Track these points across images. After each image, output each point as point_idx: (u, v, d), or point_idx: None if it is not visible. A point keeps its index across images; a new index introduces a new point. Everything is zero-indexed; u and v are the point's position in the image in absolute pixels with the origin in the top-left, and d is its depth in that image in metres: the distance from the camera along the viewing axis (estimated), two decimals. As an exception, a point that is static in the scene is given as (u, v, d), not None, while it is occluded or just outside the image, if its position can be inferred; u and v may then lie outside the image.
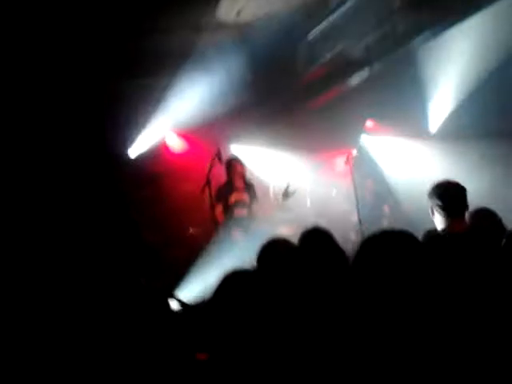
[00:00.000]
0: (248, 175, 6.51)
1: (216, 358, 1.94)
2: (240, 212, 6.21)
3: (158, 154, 7.76)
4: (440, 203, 2.99)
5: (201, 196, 5.93)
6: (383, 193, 7.98)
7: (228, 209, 6.17)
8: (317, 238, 2.96)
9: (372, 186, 8.01)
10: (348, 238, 6.53)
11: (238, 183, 6.31)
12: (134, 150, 7.64)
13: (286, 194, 6.30)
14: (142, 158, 7.46)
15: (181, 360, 2.12)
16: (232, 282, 2.09)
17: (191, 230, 6.74)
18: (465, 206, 3.03)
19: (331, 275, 2.70)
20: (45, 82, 6.21)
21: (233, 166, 6.34)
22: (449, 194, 3.00)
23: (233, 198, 6.22)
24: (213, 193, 5.99)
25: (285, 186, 6.33)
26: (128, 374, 2.01)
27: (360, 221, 6.41)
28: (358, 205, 6.56)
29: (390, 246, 1.50)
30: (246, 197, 6.30)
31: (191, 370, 2.05)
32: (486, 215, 3.76)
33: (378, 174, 8.36)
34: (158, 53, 6.41)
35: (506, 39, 6.86)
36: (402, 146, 8.81)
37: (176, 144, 8.01)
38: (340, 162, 8.03)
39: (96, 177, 6.55)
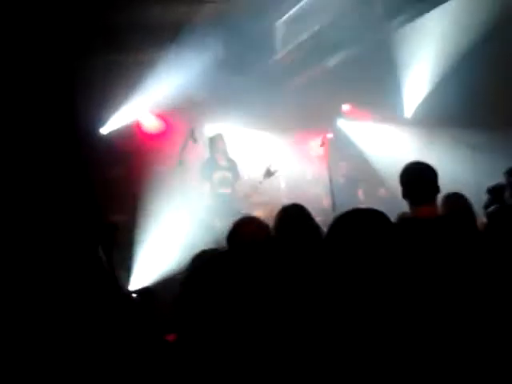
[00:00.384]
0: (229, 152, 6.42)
1: (184, 338, 1.91)
2: (224, 190, 6.10)
3: (132, 133, 7.61)
4: (403, 190, 2.82)
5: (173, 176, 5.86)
6: (357, 177, 8.00)
7: (212, 186, 6.10)
8: (296, 213, 2.93)
9: (346, 169, 8.03)
10: (320, 221, 6.53)
11: (221, 160, 6.20)
12: (107, 128, 7.48)
13: (268, 173, 6.22)
14: (114, 137, 7.30)
15: (149, 341, 2.08)
16: (201, 261, 2.06)
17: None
18: (432, 191, 2.80)
19: (307, 252, 2.68)
20: (14, 55, 6.01)
21: (214, 142, 6.27)
22: (411, 181, 2.79)
23: (216, 175, 6.12)
24: (191, 170, 5.91)
25: (267, 164, 6.27)
26: (92, 355, 1.95)
27: (334, 205, 6.44)
28: (332, 189, 6.58)
29: (361, 223, 1.47)
30: (228, 174, 6.21)
31: (159, 351, 2.02)
32: (456, 200, 3.79)
33: (353, 159, 8.38)
34: (135, 28, 6.26)
35: (480, 23, 6.89)
36: (377, 131, 8.84)
37: (150, 124, 7.87)
38: (315, 144, 8.03)
39: (63, 153, 6.38)
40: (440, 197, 3.52)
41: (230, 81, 7.38)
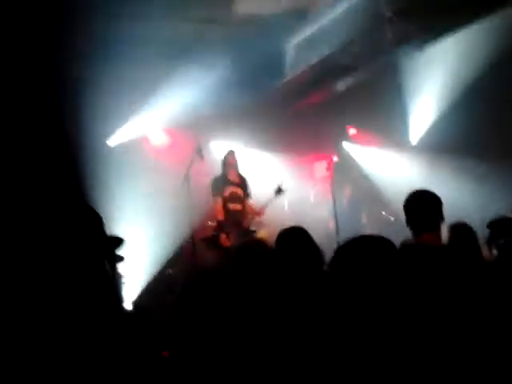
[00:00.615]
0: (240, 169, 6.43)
1: (177, 354, 1.91)
2: (234, 207, 6.13)
3: (139, 147, 7.66)
4: (406, 218, 2.79)
5: (180, 192, 5.86)
6: (361, 201, 8.00)
7: (224, 203, 6.10)
8: (296, 236, 2.91)
9: (350, 193, 8.04)
10: (324, 244, 6.52)
11: (232, 176, 6.24)
12: (114, 141, 7.53)
13: (279, 191, 6.21)
14: (121, 150, 7.34)
15: (146, 357, 2.07)
16: (202, 281, 2.06)
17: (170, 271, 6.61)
18: (435, 219, 2.77)
19: (308, 274, 2.68)
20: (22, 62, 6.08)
21: (227, 158, 6.28)
22: (414, 209, 2.77)
23: (227, 191, 6.14)
24: (196, 187, 5.92)
25: (278, 182, 6.25)
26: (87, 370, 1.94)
27: (337, 228, 6.43)
28: (335, 212, 6.58)
29: (366, 250, 1.48)
30: (240, 191, 6.22)
31: (155, 367, 2.01)
32: (462, 230, 3.79)
33: (358, 182, 8.39)
34: (148, 42, 6.35)
35: (488, 56, 6.98)
36: (382, 156, 8.87)
37: (158, 139, 7.92)
38: (320, 167, 8.06)
39: (69, 164, 6.41)
40: (445, 226, 3.55)
41: (238, 100, 7.44)
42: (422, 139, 8.71)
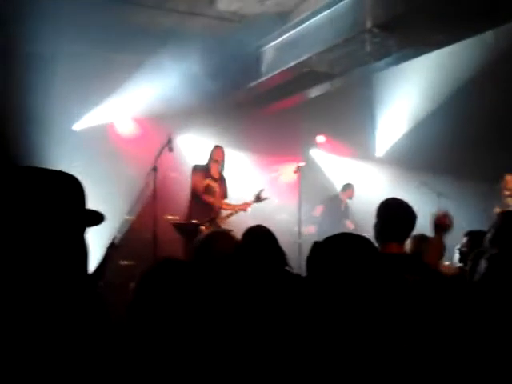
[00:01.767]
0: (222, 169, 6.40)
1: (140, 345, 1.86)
2: (207, 198, 6.10)
3: (105, 134, 7.50)
4: (379, 224, 2.76)
5: (145, 182, 5.76)
6: (325, 208, 8.04)
7: (198, 194, 6.10)
8: (260, 235, 2.92)
9: (314, 199, 8.10)
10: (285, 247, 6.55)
11: (213, 171, 6.23)
12: (81, 125, 7.35)
13: (258, 199, 6.21)
14: (87, 135, 7.16)
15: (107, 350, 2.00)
16: (165, 269, 2.03)
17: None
18: (407, 231, 2.75)
19: (270, 272, 2.68)
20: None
21: (213, 152, 6.27)
22: (391, 217, 2.72)
23: (206, 181, 6.13)
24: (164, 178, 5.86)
25: (258, 189, 6.24)
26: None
27: (299, 232, 6.48)
28: (300, 217, 6.63)
29: (346, 246, 1.48)
30: (216, 187, 6.19)
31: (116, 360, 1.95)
32: (423, 241, 3.86)
33: (323, 189, 8.46)
34: (124, 29, 6.24)
35: (458, 75, 7.19)
36: (348, 165, 9.00)
37: (126, 127, 7.78)
38: (286, 171, 8.10)
39: (31, 146, 6.21)
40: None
41: (211, 96, 7.39)
42: (387, 152, 8.90)
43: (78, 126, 7.33)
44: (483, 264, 1.81)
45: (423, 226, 4.77)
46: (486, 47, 6.06)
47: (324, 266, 1.51)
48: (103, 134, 7.37)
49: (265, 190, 6.29)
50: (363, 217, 7.01)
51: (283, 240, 3.14)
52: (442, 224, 3.03)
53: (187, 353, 1.83)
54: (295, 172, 6.88)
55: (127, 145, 7.52)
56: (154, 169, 5.65)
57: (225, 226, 6.02)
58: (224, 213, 6.25)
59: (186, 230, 5.72)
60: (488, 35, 5.68)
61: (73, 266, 1.47)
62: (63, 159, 6.18)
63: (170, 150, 5.89)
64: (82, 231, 1.56)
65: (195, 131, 7.85)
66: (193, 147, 7.83)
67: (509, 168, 7.73)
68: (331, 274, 1.47)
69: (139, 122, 7.74)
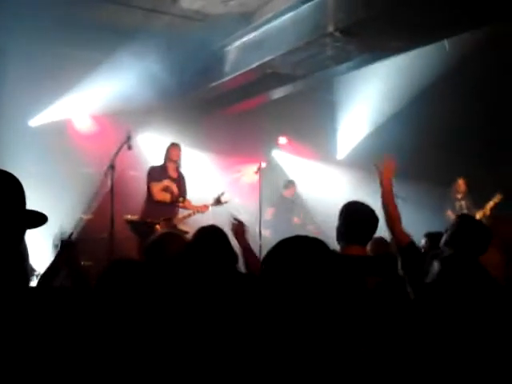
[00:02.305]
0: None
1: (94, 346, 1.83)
2: (164, 198, 6.03)
3: (63, 130, 7.31)
4: (342, 226, 2.77)
5: (103, 180, 5.65)
6: (286, 209, 8.08)
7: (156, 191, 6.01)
8: (211, 235, 2.90)
9: (276, 200, 8.13)
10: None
11: (171, 171, 6.15)
12: (37, 121, 7.14)
13: (217, 202, 6.15)
14: (44, 131, 6.97)
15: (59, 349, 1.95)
16: (117, 271, 2.01)
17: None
18: (370, 234, 2.78)
19: (220, 272, 2.66)
20: None
21: (168, 151, 6.15)
22: (355, 220, 2.74)
23: (164, 182, 6.04)
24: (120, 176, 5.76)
25: (219, 192, 6.17)
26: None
27: (260, 233, 6.48)
28: (261, 217, 6.63)
29: (302, 249, 1.47)
30: (175, 188, 6.11)
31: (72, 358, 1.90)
32: (382, 244, 3.93)
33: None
34: (84, 25, 6.10)
35: (418, 81, 7.35)
36: (310, 167, 9.07)
37: (83, 124, 7.61)
38: (248, 171, 8.10)
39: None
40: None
41: (172, 95, 7.32)
42: (348, 155, 9.01)
43: (34, 122, 7.13)
44: (436, 265, 1.84)
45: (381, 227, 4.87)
46: (443, 54, 6.21)
47: (277, 267, 1.50)
48: (61, 131, 7.19)
49: (225, 193, 6.25)
50: (324, 219, 7.08)
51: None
52: None
53: (140, 351, 1.81)
54: (256, 173, 6.88)
55: (85, 142, 7.36)
56: (112, 167, 5.55)
57: (182, 226, 5.96)
58: (182, 213, 6.18)
59: (140, 229, 5.64)
60: (445, 43, 5.83)
61: (7, 268, 1.41)
62: (18, 156, 6.00)
63: (129, 147, 5.81)
64: (20, 233, 1.49)
65: (155, 130, 7.75)
66: (152, 146, 7.74)
67: (464, 172, 7.96)
68: (283, 274, 1.46)
69: (98, 119, 7.58)
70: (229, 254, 2.84)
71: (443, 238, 2.73)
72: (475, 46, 6.17)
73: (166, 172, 6.13)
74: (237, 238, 3.20)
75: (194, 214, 6.14)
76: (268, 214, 7.80)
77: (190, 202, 6.28)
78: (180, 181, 6.23)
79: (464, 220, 2.89)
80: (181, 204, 6.17)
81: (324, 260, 1.42)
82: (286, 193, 8.08)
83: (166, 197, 6.02)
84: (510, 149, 7.89)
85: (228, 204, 6.31)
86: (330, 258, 1.45)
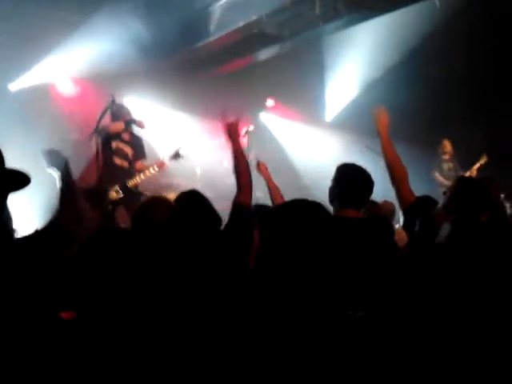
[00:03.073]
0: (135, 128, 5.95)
1: (85, 317, 1.79)
2: (120, 162, 5.74)
3: (44, 94, 7.12)
4: (336, 189, 2.71)
5: (88, 144, 5.51)
6: (274, 173, 8.02)
7: (110, 156, 5.67)
8: (194, 200, 2.85)
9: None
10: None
11: (123, 133, 5.79)
12: (17, 85, 6.94)
13: (176, 156, 5.76)
14: (25, 96, 6.78)
15: (39, 319, 1.91)
16: (103, 237, 1.95)
17: None
18: (366, 199, 2.74)
19: (205, 237, 2.62)
20: None
21: (119, 112, 5.77)
22: (352, 183, 2.68)
23: (114, 144, 5.72)
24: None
25: (176, 147, 5.85)
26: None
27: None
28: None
29: (301, 212, 1.43)
30: (128, 149, 5.81)
31: (53, 330, 1.86)
32: (375, 207, 3.90)
33: (272, 153, 8.42)
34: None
35: (408, 40, 7.23)
36: (298, 130, 8.99)
37: (66, 87, 7.41)
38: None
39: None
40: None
41: (156, 57, 7.13)
42: (336, 117, 8.93)
43: (14, 87, 6.93)
44: (447, 227, 1.80)
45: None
46: (434, 11, 6.07)
47: (278, 232, 1.45)
48: (42, 95, 6.99)
49: (182, 148, 5.78)
50: (314, 180, 7.03)
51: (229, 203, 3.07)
52: None
53: (125, 321, 1.77)
54: (244, 136, 6.78)
55: (68, 106, 7.20)
56: (97, 130, 5.39)
57: (142, 189, 5.75)
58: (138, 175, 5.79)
59: (92, 195, 5.38)
60: (436, 1, 5.69)
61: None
62: (-2, 121, 5.85)
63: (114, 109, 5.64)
64: (1, 194, 1.42)
65: (139, 93, 7.57)
66: (137, 109, 7.58)
67: (453, 134, 7.94)
68: (285, 239, 1.42)
69: (80, 82, 7.39)
70: (212, 217, 2.80)
71: (443, 201, 2.69)
72: (466, 2, 6.05)
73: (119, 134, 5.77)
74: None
75: (150, 174, 5.74)
76: None
77: (143, 165, 5.87)
78: (135, 142, 5.87)
79: (466, 182, 2.85)
80: (138, 167, 5.82)
81: (326, 223, 1.39)
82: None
83: (124, 163, 5.72)
84: (498, 110, 7.85)
85: (216, 168, 6.17)
86: (331, 221, 1.41)
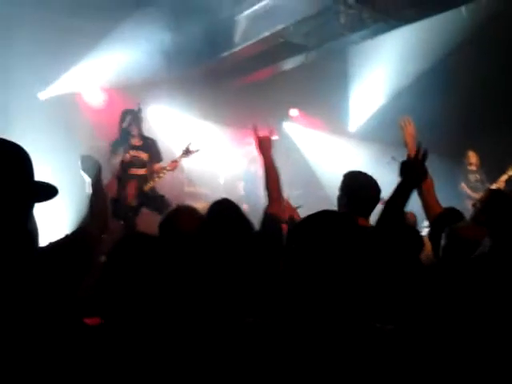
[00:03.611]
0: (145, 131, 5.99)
1: (110, 323, 1.79)
2: (135, 171, 5.73)
3: (73, 103, 7.25)
4: (345, 198, 2.69)
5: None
6: (297, 183, 8.00)
7: (124, 168, 5.68)
8: (225, 209, 2.82)
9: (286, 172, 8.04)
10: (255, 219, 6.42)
11: (133, 140, 5.76)
12: (47, 94, 7.08)
13: (187, 152, 5.77)
14: (53, 105, 6.91)
15: (63, 325, 1.92)
16: (131, 244, 1.95)
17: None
18: (373, 207, 2.71)
19: (237, 245, 2.61)
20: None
21: (127, 119, 5.77)
22: (358, 192, 2.67)
23: (129, 155, 5.70)
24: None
25: (187, 143, 5.81)
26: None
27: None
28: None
29: (328, 223, 1.42)
30: (143, 154, 5.78)
31: (78, 337, 1.87)
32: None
33: (296, 163, 8.41)
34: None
35: (435, 51, 7.16)
36: (322, 139, 8.96)
37: (94, 96, 7.54)
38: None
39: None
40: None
41: (182, 66, 7.21)
42: (360, 127, 8.88)
43: (43, 95, 7.07)
44: (487, 241, 1.77)
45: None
46: (461, 21, 6.01)
47: (307, 243, 1.45)
48: (70, 104, 7.12)
49: (192, 144, 5.80)
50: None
51: (256, 215, 3.06)
52: None
53: (155, 326, 1.78)
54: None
55: (95, 115, 7.30)
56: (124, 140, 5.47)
57: (159, 191, 5.77)
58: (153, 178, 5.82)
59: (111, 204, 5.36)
60: (463, 9, 5.63)
61: (14, 244, 1.36)
62: (27, 129, 5.95)
63: (140, 121, 5.72)
64: (27, 207, 1.43)
65: (165, 102, 7.66)
66: (162, 118, 7.67)
67: (481, 145, 7.82)
68: (315, 250, 1.41)
69: (107, 91, 7.51)
70: (245, 227, 2.78)
71: (472, 212, 2.65)
72: (494, 11, 5.96)
73: (129, 143, 5.78)
74: (262, 154, 2.98)
75: (163, 175, 5.75)
76: (239, 188, 7.55)
77: (160, 167, 5.87)
78: (148, 146, 5.84)
79: (498, 195, 2.79)
80: (156, 170, 5.81)
81: (353, 234, 1.38)
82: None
83: (139, 171, 5.74)
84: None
85: (240, 178, 6.09)
86: (357, 231, 1.40)
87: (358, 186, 2.70)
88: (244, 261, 2.45)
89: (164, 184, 5.99)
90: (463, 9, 5.68)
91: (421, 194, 2.78)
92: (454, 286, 1.77)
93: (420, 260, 2.60)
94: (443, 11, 5.39)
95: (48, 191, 1.49)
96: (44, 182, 1.50)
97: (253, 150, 8.38)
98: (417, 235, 2.90)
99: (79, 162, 2.44)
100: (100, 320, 1.95)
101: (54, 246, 1.97)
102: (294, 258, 1.42)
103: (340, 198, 2.73)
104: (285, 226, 2.87)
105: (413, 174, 2.28)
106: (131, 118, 5.74)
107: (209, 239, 2.61)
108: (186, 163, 6.50)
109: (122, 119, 5.71)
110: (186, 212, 2.88)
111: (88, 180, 2.40)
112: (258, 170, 7.81)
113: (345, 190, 2.72)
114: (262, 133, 3.12)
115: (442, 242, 2.31)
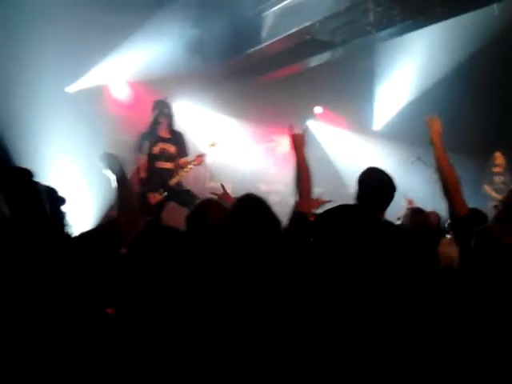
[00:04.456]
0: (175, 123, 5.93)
1: (123, 312, 1.82)
2: (162, 165, 5.69)
3: (100, 97, 7.34)
4: (361, 193, 2.74)
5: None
6: (320, 180, 7.99)
7: (151, 161, 5.64)
8: (251, 203, 2.82)
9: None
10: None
11: (162, 132, 5.73)
12: (74, 87, 7.17)
13: (212, 145, 5.76)
14: (81, 98, 7.00)
15: (87, 313, 1.96)
16: (150, 237, 1.97)
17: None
18: (387, 203, 2.73)
19: (261, 240, 2.61)
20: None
21: (158, 109, 5.74)
22: (371, 188, 2.72)
23: (157, 147, 5.66)
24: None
25: (212, 136, 5.85)
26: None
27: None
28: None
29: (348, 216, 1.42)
30: (171, 148, 5.74)
31: (99, 325, 1.91)
32: (419, 214, 3.82)
33: (319, 161, 8.38)
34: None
35: (462, 49, 7.05)
36: (346, 137, 8.91)
37: (120, 90, 7.62)
38: (283, 141, 8.00)
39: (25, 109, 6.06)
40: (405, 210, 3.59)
41: (208, 62, 7.23)
42: (385, 126, 8.80)
43: (71, 89, 7.17)
44: None
45: (421, 200, 4.77)
46: (492, 19, 5.89)
47: (329, 236, 1.45)
48: (97, 98, 7.21)
49: (217, 137, 5.81)
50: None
51: (277, 212, 3.05)
52: None
53: (174, 317, 1.79)
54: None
55: (122, 109, 7.39)
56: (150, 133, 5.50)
57: (185, 186, 5.75)
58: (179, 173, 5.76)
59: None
60: (494, 6, 5.52)
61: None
62: (55, 123, 6.06)
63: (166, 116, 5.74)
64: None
65: (190, 97, 7.70)
66: (187, 113, 7.70)
67: (503, 144, 7.68)
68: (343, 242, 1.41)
69: (134, 85, 7.58)
70: (271, 222, 2.77)
71: (495, 212, 2.62)
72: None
73: (158, 135, 5.74)
74: (295, 151, 3.08)
75: (189, 169, 5.70)
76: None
77: (185, 161, 5.80)
78: (176, 139, 5.80)
79: None
80: (182, 164, 5.75)
81: (370, 228, 1.38)
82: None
83: (166, 165, 5.71)
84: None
85: (264, 174, 6.10)
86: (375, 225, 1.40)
87: (370, 181, 2.76)
88: (269, 257, 2.46)
89: (187, 179, 6.02)
90: (495, 6, 5.57)
91: (446, 194, 2.75)
92: (489, 284, 1.75)
93: (435, 258, 2.59)
94: (476, 8, 5.29)
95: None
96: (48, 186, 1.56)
97: (275, 147, 8.43)
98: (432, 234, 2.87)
99: (101, 160, 2.48)
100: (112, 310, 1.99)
101: (85, 236, 2.02)
102: (313, 251, 1.43)
103: (356, 194, 2.79)
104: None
105: None
106: (162, 107, 5.74)
107: (235, 233, 2.62)
108: (209, 158, 6.51)
109: (154, 108, 5.74)
110: (213, 205, 2.90)
111: (112, 177, 2.43)
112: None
113: (358, 185, 2.78)
114: (296, 130, 3.15)
115: (472, 242, 2.28)
